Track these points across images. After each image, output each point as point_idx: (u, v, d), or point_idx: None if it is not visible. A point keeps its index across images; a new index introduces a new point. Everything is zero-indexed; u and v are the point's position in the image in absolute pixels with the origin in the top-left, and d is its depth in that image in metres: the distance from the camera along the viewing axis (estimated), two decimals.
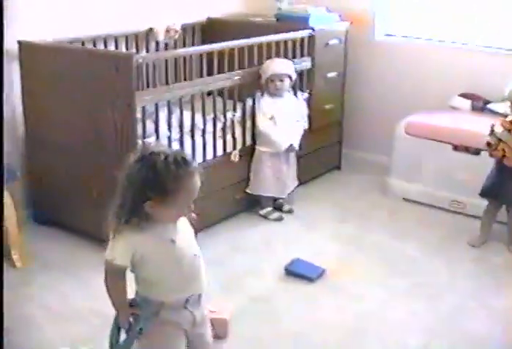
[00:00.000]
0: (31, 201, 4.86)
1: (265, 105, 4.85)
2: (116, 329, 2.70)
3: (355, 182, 5.74)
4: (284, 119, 4.86)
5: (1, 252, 1.43)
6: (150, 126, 4.25)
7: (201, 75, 4.75)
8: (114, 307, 2.65)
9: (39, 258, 4.36)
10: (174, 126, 4.39)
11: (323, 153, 5.71)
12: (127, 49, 5.12)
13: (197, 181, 2.48)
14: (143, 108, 4.15)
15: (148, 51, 5.26)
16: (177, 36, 5.32)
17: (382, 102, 5.99)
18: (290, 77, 4.86)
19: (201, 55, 4.75)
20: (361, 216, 5.06)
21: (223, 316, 3.56)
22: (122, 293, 2.62)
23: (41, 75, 4.48)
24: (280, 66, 4.81)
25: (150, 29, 5.24)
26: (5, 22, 4.33)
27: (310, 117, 5.34)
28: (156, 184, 2.40)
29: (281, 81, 4.80)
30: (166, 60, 4.53)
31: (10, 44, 4.47)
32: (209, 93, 4.67)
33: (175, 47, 5.39)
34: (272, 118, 4.82)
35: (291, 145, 4.90)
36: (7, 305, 3.75)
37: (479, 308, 3.86)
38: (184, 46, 5.53)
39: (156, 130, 4.27)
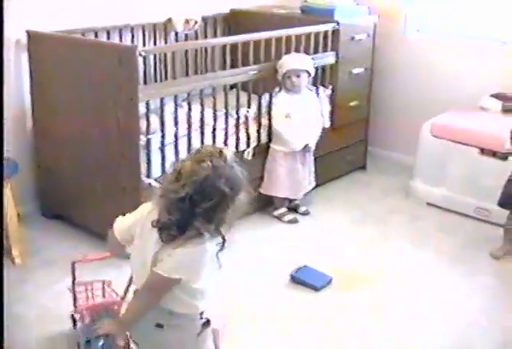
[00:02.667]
0: (39, 194, 4.71)
1: (281, 102, 4.60)
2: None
3: (378, 183, 5.48)
4: (300, 117, 4.61)
5: (1, 252, 1.38)
6: (155, 121, 4.03)
7: (214, 70, 4.52)
8: (125, 323, 2.43)
9: (41, 255, 4.21)
10: (182, 122, 4.17)
11: (347, 152, 5.46)
12: (144, 40, 4.93)
13: None
14: (147, 103, 3.93)
15: (166, 42, 5.05)
16: (197, 27, 5.10)
17: (410, 100, 5.72)
18: (308, 73, 4.60)
19: (213, 48, 4.53)
20: (380, 220, 4.80)
21: (215, 326, 3.33)
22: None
23: (48, 66, 4.30)
24: (297, 61, 4.56)
25: (169, 20, 5.01)
26: (14, 11, 4.22)
27: (332, 114, 5.11)
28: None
29: (298, 76, 4.54)
30: (174, 53, 4.28)
31: (19, 34, 4.32)
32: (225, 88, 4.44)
33: (196, 39, 5.19)
34: (288, 115, 4.57)
35: (306, 144, 4.65)
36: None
37: (492, 329, 3.56)
38: (206, 38, 5.32)
39: (162, 126, 4.05)
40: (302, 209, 4.87)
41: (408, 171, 5.27)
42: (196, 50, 5.07)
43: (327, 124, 5.04)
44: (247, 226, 4.58)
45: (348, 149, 5.46)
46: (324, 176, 5.17)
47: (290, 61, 4.55)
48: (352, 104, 5.30)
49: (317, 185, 4.99)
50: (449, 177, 4.91)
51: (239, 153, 4.54)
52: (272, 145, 4.68)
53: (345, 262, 4.20)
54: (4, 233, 2.20)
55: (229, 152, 2.30)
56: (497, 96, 5.11)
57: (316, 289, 3.87)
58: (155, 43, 4.99)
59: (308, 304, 3.77)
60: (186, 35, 5.13)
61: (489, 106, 5.08)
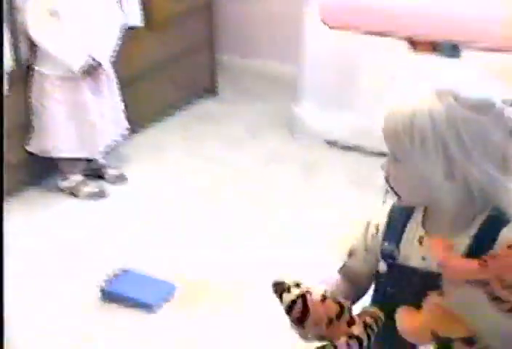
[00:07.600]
0: None
1: None
2: None
3: (240, 115, 5.56)
4: (78, 13, 4.55)
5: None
6: None
7: None
8: None
9: None
10: None
11: (180, 67, 5.49)
12: None
13: None
14: None
15: None
16: None
17: None
18: None
19: None
20: (248, 180, 4.86)
21: None
22: None
23: None
24: None
25: None
26: None
27: (146, 3, 5.10)
28: None
29: None
30: None
31: None
32: None
33: None
34: (54, 13, 4.49)
35: (93, 59, 4.56)
36: None
37: None
38: None
39: None
40: (112, 172, 4.88)
41: (289, 91, 5.35)
42: None
43: (137, 21, 5.06)
44: (15, 211, 4.43)
45: (181, 62, 5.50)
46: (144, 113, 5.22)
47: None
48: None
49: (132, 130, 5.01)
50: (360, 94, 4.96)
51: None
52: (36, 67, 4.62)
53: (192, 261, 4.22)
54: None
55: None
56: None
57: (149, 307, 3.87)
58: None
59: (132, 335, 3.75)
60: None
61: None
